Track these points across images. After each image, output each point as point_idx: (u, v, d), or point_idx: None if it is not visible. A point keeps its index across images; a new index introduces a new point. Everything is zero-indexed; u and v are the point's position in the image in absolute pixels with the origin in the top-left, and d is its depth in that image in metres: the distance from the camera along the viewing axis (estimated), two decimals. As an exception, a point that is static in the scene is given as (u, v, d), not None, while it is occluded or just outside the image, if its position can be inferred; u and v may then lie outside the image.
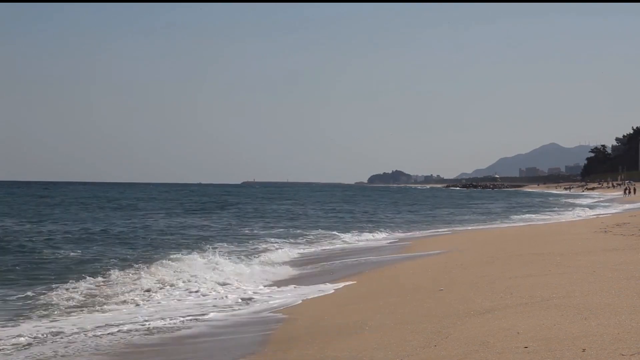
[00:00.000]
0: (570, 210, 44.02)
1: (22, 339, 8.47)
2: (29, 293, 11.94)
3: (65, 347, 8.03)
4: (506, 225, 31.75)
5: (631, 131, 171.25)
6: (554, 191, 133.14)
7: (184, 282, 12.86)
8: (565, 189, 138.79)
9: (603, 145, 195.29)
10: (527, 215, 39.79)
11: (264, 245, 20.98)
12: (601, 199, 73.07)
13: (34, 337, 8.54)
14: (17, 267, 15.61)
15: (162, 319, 9.61)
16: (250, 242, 22.24)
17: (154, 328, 9.01)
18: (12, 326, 9.32)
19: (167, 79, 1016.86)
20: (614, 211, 40.39)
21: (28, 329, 9.05)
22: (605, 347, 5.63)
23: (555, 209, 48.72)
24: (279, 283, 13.29)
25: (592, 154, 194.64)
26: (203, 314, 9.97)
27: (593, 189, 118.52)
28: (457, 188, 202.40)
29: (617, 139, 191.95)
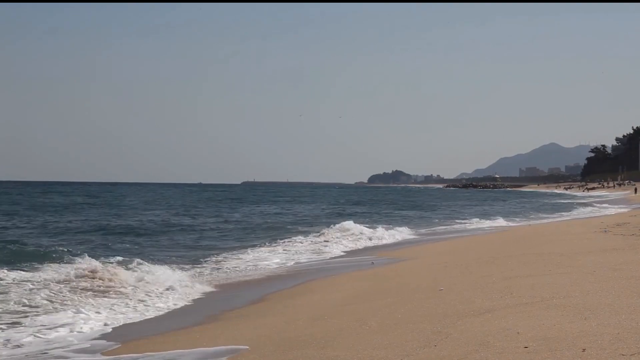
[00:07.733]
0: (570, 210, 44.00)
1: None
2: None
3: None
4: (505, 225, 31.72)
5: (631, 131, 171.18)
6: (554, 191, 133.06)
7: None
8: (565, 189, 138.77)
9: (603, 145, 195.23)
10: (527, 216, 39.75)
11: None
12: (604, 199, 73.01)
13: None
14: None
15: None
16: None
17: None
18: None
19: (167, 79, 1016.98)
20: (613, 211, 40.38)
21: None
22: (605, 347, 5.63)
23: (557, 209, 48.67)
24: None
25: (592, 154, 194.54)
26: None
27: (593, 188, 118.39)
28: (451, 188, 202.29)
29: (617, 139, 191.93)
